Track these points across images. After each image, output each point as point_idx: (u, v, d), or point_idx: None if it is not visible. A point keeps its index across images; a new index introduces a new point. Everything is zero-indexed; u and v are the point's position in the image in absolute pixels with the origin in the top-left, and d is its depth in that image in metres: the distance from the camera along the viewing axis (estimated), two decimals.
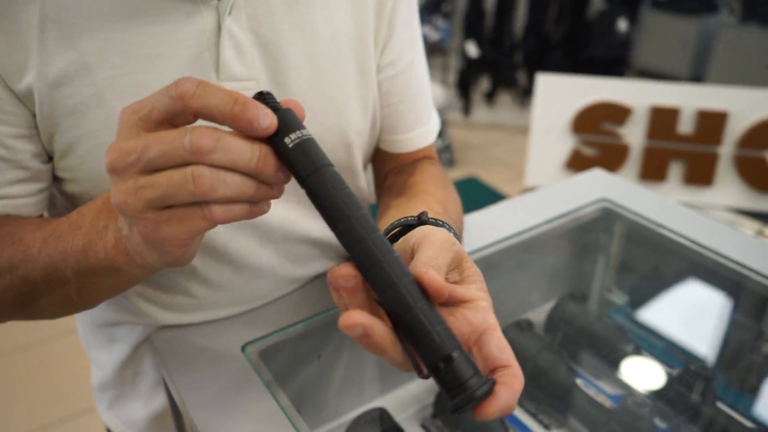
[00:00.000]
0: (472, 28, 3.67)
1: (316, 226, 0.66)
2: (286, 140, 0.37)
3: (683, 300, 0.87)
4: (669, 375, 0.75)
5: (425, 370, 0.37)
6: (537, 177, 1.62)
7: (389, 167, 0.72)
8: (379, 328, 0.35)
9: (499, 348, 0.38)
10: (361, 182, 0.70)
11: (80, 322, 0.75)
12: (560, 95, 1.56)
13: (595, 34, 3.47)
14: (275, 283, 0.67)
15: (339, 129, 0.62)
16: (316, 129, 0.60)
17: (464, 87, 3.75)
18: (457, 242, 0.44)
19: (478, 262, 0.76)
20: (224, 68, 0.54)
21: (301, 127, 0.38)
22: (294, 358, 0.65)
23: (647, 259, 0.90)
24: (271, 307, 0.68)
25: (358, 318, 0.34)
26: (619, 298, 0.92)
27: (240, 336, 0.64)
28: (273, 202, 0.60)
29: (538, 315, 0.85)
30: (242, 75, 0.56)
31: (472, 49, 3.64)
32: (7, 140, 0.52)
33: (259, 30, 0.56)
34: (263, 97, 0.39)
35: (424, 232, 0.44)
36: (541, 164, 1.61)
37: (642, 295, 0.89)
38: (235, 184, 0.36)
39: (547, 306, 0.85)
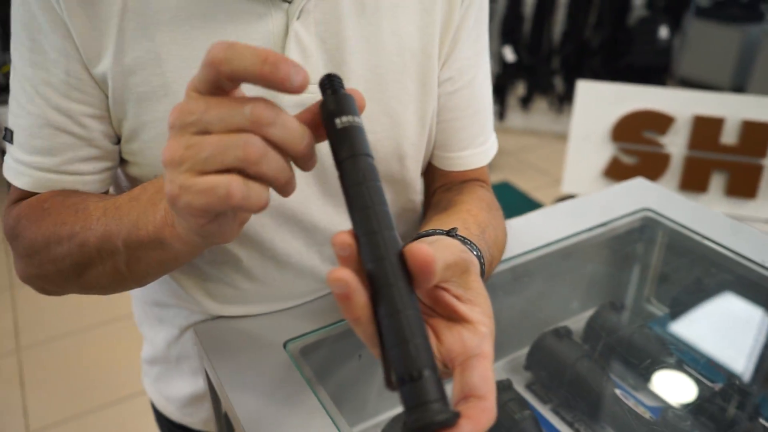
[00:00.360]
0: (510, 32, 3.65)
1: None
2: (337, 120, 0.38)
3: (725, 313, 0.85)
4: (710, 389, 0.74)
5: (394, 379, 0.35)
6: (574, 184, 1.61)
7: (438, 183, 0.72)
8: (361, 297, 0.34)
9: (483, 378, 0.37)
10: (413, 194, 0.70)
11: (134, 298, 0.78)
12: (601, 102, 1.55)
13: (636, 41, 3.41)
14: (317, 282, 0.68)
15: (394, 140, 0.63)
16: (371, 137, 0.61)
17: (500, 91, 3.73)
18: (468, 252, 0.43)
19: (516, 268, 0.77)
20: None
21: (355, 113, 0.39)
22: (334, 356, 0.66)
23: (689, 271, 0.88)
24: (312, 306, 0.69)
25: (345, 275, 0.33)
26: (660, 310, 0.91)
27: (281, 332, 0.65)
28: (323, 204, 0.62)
29: (577, 323, 0.85)
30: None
31: (509, 54, 3.62)
32: (84, 119, 0.55)
33: (324, 36, 0.57)
34: (330, 78, 0.40)
35: (438, 239, 0.44)
36: (578, 172, 1.60)
37: (683, 307, 0.88)
38: (278, 164, 0.37)
39: (586, 314, 0.84)
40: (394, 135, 0.62)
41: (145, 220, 0.48)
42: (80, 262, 0.53)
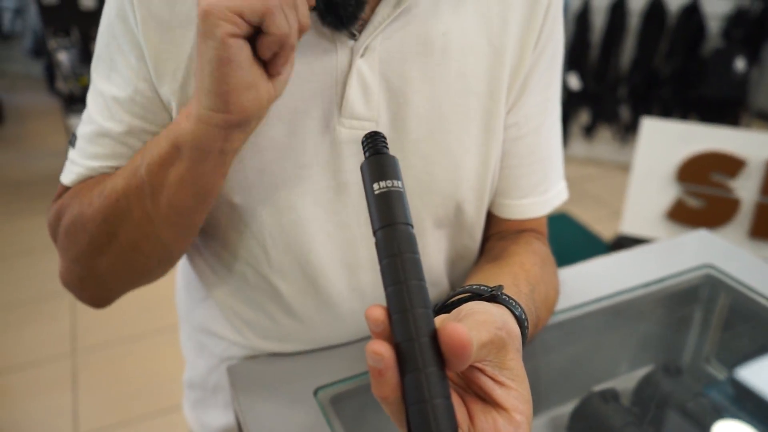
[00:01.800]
0: (576, 59, 3.58)
1: None
2: (375, 186, 0.37)
3: None
4: None
5: None
6: (635, 225, 1.54)
7: (494, 230, 0.70)
8: (393, 376, 0.34)
9: None
10: (470, 241, 0.67)
11: (181, 320, 0.79)
12: (667, 141, 1.48)
13: (710, 72, 3.28)
14: (356, 327, 0.67)
15: (452, 183, 0.61)
16: (427, 179, 0.60)
17: (563, 119, 3.64)
18: (509, 326, 0.41)
19: (564, 323, 0.73)
20: (348, 105, 0.56)
21: (395, 177, 0.37)
22: (365, 408, 0.64)
23: (754, 336, 0.82)
24: (348, 351, 0.68)
25: (384, 350, 0.33)
26: (718, 375, 0.85)
27: (314, 377, 0.63)
28: (369, 246, 0.62)
29: (626, 383, 0.80)
30: (363, 114, 0.56)
31: (574, 81, 3.55)
32: (144, 135, 0.57)
33: (388, 74, 0.56)
34: (373, 138, 0.39)
35: (479, 307, 0.42)
36: (640, 212, 1.53)
37: (745, 376, 0.81)
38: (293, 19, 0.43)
39: (636, 375, 0.79)
40: (452, 178, 0.61)
41: (165, 132, 0.51)
42: (109, 217, 0.55)
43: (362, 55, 0.55)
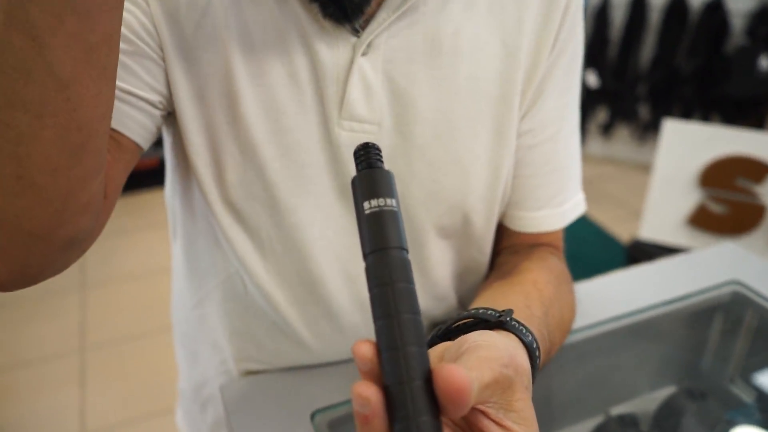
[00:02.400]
0: (594, 56, 3.50)
1: (422, 302, 0.62)
2: (365, 204, 0.33)
3: None
4: None
5: None
6: (654, 231, 1.49)
7: (506, 243, 0.65)
8: (380, 424, 0.30)
9: None
10: (478, 254, 0.63)
11: (174, 327, 0.75)
12: (689, 144, 1.42)
13: (733, 71, 3.19)
14: (354, 342, 0.63)
15: (459, 192, 0.57)
16: (433, 187, 0.56)
17: (580, 117, 3.57)
18: (516, 361, 0.37)
19: (580, 344, 0.68)
20: (348, 106, 0.52)
21: (389, 194, 0.33)
22: None
23: None
24: (349, 367, 0.64)
25: (371, 394, 0.29)
26: (747, 397, 0.80)
27: (312, 397, 0.60)
28: None
29: (645, 407, 0.75)
30: (365, 117, 0.53)
31: (592, 79, 3.47)
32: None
33: (392, 74, 0.52)
34: (366, 149, 0.34)
35: (484, 338, 0.38)
36: (659, 217, 1.48)
37: None
38: None
39: (657, 398, 0.74)
40: (460, 186, 0.57)
41: None
42: None
43: (364, 53, 0.51)
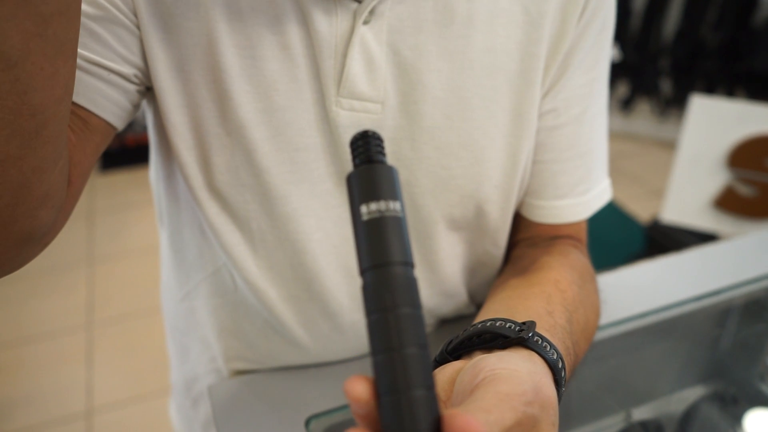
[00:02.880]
0: (616, 28, 3.37)
1: (430, 299, 0.57)
2: (363, 208, 0.27)
3: None
4: None
5: None
6: (677, 212, 1.42)
7: (522, 235, 0.59)
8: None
9: None
10: (493, 247, 0.57)
11: (165, 318, 0.70)
12: (718, 122, 1.34)
13: (761, 44, 3.07)
14: (357, 341, 0.58)
15: (473, 179, 0.51)
16: (443, 174, 0.50)
17: None
18: (542, 395, 0.31)
19: (602, 343, 0.63)
20: (347, 82, 0.46)
21: (392, 197, 0.27)
22: None
23: None
24: (347, 368, 0.59)
25: (362, 393, 0.25)
26: None
27: (307, 401, 0.55)
28: None
29: (671, 411, 0.70)
30: (367, 95, 0.47)
31: (613, 52, 3.36)
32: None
33: (398, 47, 0.46)
34: (365, 139, 0.28)
35: (504, 365, 0.32)
36: (684, 198, 1.40)
37: None
38: None
39: (683, 401, 0.69)
40: (473, 174, 0.51)
41: None
42: None
43: (366, 22, 0.45)
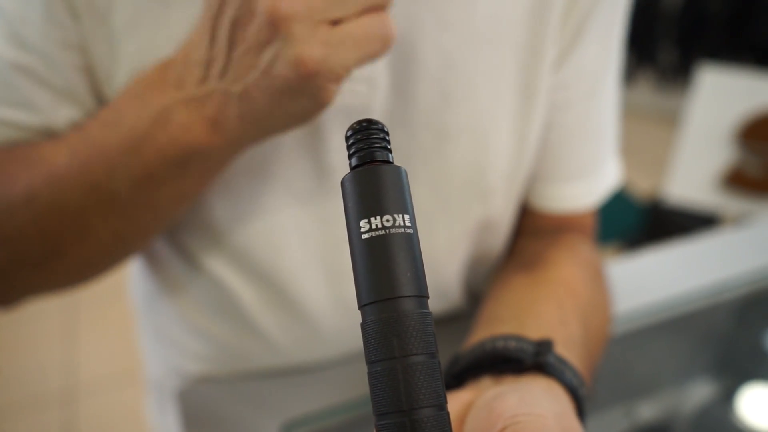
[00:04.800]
0: None
1: None
2: (363, 223, 0.21)
3: None
4: None
5: None
6: (682, 189, 1.37)
7: (526, 226, 0.54)
8: None
9: None
10: (495, 239, 0.52)
11: (137, 311, 0.65)
12: (728, 94, 1.28)
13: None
14: (338, 346, 0.53)
15: (475, 168, 0.45)
16: (440, 162, 0.44)
17: None
18: None
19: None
20: None
21: (400, 208, 0.21)
22: None
23: None
24: (327, 376, 0.54)
25: None
26: None
27: (283, 409, 0.50)
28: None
29: (679, 412, 0.65)
30: (353, 72, 0.41)
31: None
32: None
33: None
34: (366, 129, 0.22)
35: (525, 410, 0.27)
36: (689, 176, 1.35)
37: None
38: None
39: (692, 402, 0.64)
40: (476, 161, 0.45)
41: (151, 139, 0.35)
42: (52, 231, 0.39)
43: None
